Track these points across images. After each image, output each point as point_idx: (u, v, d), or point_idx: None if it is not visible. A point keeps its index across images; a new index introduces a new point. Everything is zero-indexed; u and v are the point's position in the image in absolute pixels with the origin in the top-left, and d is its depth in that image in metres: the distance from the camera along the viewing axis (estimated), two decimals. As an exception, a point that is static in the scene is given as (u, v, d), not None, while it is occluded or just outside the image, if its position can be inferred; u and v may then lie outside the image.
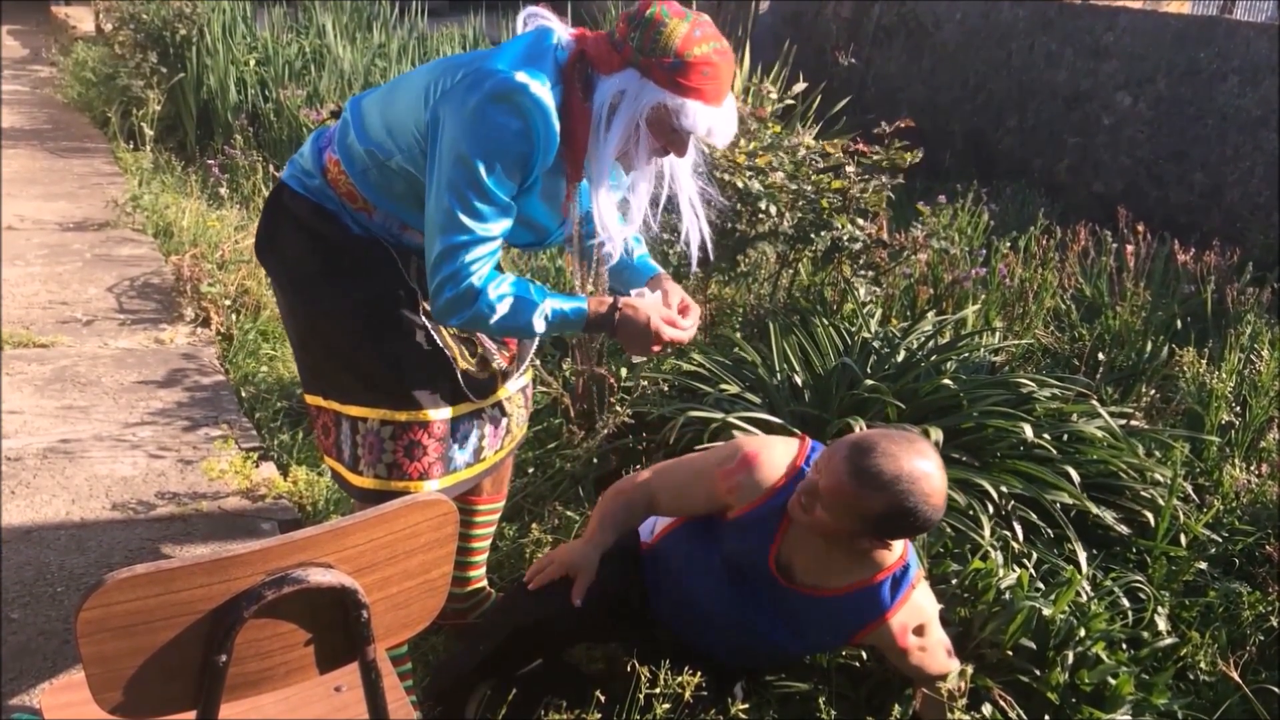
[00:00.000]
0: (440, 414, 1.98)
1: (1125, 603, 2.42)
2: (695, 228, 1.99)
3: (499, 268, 1.89)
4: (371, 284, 1.94)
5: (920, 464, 1.78)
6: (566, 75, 1.80)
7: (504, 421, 2.13)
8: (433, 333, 1.98)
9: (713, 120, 1.79)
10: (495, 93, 1.73)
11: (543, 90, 1.74)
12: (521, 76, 1.73)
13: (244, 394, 3.50)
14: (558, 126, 1.77)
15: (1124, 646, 2.25)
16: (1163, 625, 2.37)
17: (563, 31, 1.85)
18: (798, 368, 3.08)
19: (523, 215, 1.90)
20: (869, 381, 2.86)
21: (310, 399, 2.08)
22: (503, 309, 1.83)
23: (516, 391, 2.17)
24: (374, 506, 1.34)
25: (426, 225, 1.83)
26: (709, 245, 2.04)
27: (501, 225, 1.82)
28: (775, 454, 2.01)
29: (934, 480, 1.79)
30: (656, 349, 1.94)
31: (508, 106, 1.73)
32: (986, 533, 2.45)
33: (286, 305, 2.06)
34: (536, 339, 2.23)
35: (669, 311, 1.96)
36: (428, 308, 1.98)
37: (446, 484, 2.02)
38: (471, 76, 1.76)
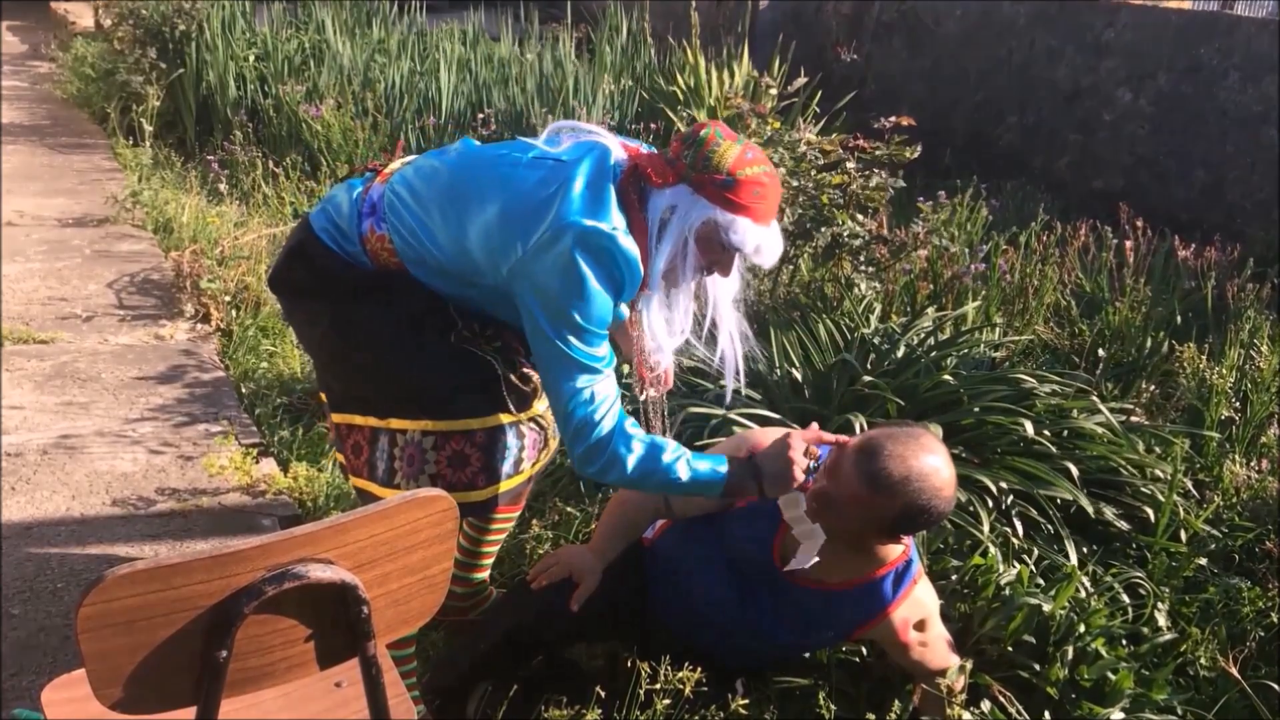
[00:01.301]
0: (484, 423, 1.98)
1: (1125, 598, 2.42)
2: (733, 358, 2.02)
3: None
4: (406, 298, 1.95)
5: (929, 460, 1.80)
6: (623, 190, 1.84)
7: (542, 435, 2.13)
8: (470, 343, 1.98)
9: (761, 239, 1.84)
10: (579, 245, 1.76)
11: (623, 237, 1.78)
12: (600, 225, 1.77)
13: (244, 390, 3.50)
14: (643, 269, 1.82)
15: (1124, 642, 2.25)
16: (1162, 621, 2.37)
17: (615, 147, 1.89)
18: (798, 364, 3.08)
19: None
20: (869, 378, 2.86)
21: (340, 417, 2.05)
22: (639, 451, 1.83)
23: (545, 409, 2.17)
24: (375, 503, 1.34)
25: (543, 380, 1.89)
26: (743, 381, 2.08)
27: (610, 357, 1.85)
28: None
29: (943, 474, 1.81)
30: (802, 462, 1.87)
31: (594, 257, 1.78)
32: (986, 529, 2.46)
33: (314, 327, 2.04)
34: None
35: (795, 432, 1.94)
36: (464, 335, 1.99)
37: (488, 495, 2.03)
38: (550, 233, 1.78)
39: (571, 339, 1.80)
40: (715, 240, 1.84)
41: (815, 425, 1.98)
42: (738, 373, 2.04)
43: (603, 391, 1.83)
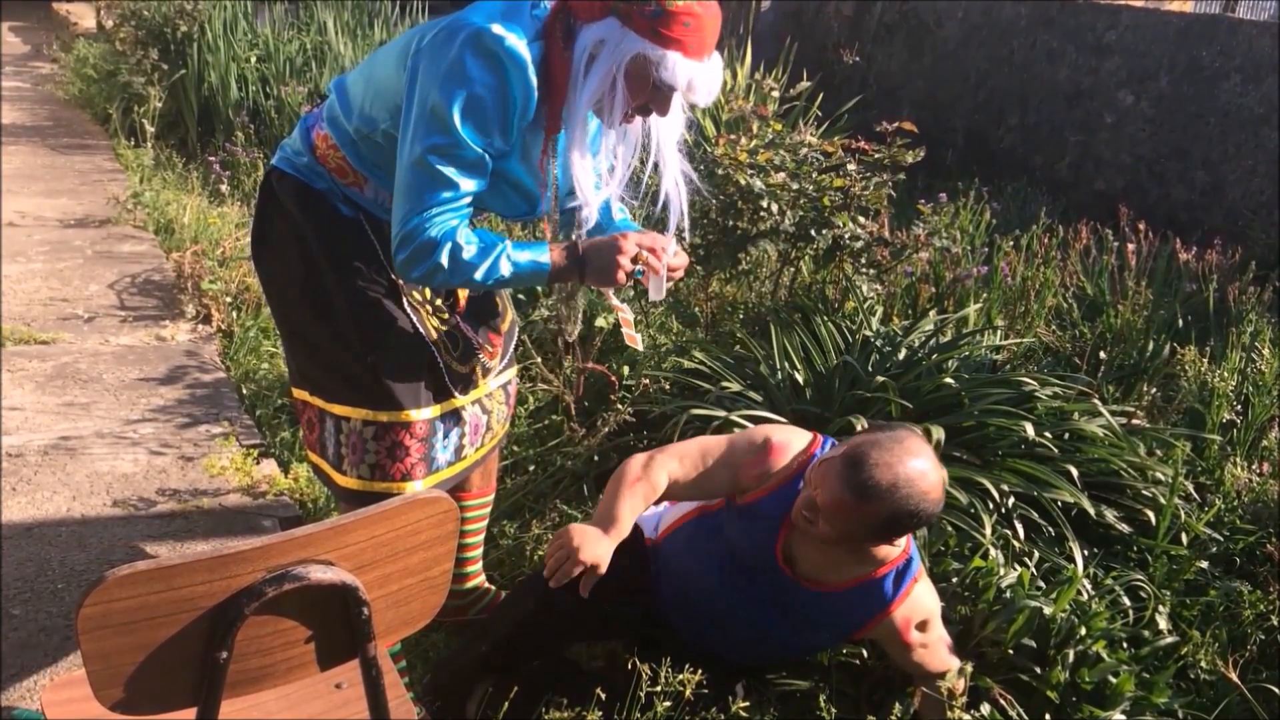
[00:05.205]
0: (422, 414, 1.97)
1: (1126, 601, 2.42)
2: (677, 202, 1.94)
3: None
4: (353, 283, 1.92)
5: (914, 464, 1.79)
6: (548, 27, 1.76)
7: (485, 419, 2.12)
8: (418, 326, 1.96)
9: (694, 74, 1.74)
10: (471, 44, 1.70)
11: (519, 44, 1.71)
12: (498, 29, 1.70)
13: (245, 391, 3.50)
14: (535, 81, 1.74)
15: (1125, 645, 2.24)
16: (1163, 624, 2.37)
17: None
18: (799, 366, 3.08)
19: (509, 179, 1.86)
20: (871, 380, 2.86)
21: (297, 393, 2.08)
22: (465, 256, 1.77)
23: (498, 388, 2.16)
24: (373, 504, 1.34)
25: (396, 183, 1.78)
26: (686, 224, 1.99)
27: (473, 183, 1.77)
28: (793, 444, 2.02)
29: (930, 477, 1.80)
30: (628, 265, 1.84)
31: (483, 60, 1.70)
32: (987, 531, 2.45)
33: (275, 302, 2.06)
34: (514, 326, 2.23)
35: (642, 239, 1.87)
36: (415, 299, 1.97)
37: (429, 484, 2.01)
38: (446, 30, 1.74)
39: (443, 147, 1.72)
40: (646, 77, 1.74)
41: (657, 235, 1.91)
42: (681, 218, 1.95)
43: (448, 209, 1.75)
